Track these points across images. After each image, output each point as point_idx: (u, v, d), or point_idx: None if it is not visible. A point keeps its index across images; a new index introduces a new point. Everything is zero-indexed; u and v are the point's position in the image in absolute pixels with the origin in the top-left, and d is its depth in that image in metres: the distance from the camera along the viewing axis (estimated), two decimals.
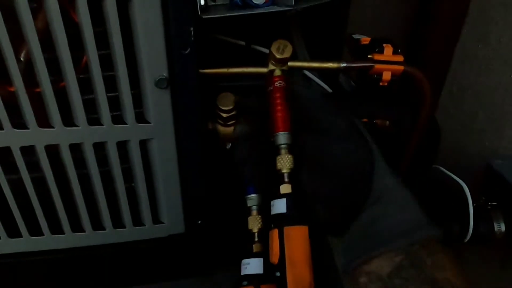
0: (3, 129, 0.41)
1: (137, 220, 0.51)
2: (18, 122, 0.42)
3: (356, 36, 0.58)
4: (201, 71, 0.48)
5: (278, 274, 0.40)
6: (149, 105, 0.43)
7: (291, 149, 0.43)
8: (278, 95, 0.47)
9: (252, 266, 0.46)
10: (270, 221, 0.43)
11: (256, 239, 0.48)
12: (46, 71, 0.39)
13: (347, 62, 0.50)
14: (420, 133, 0.56)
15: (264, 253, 0.46)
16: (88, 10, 0.37)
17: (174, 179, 0.49)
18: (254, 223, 0.49)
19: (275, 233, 0.41)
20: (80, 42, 0.40)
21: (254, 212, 0.49)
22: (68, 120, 0.43)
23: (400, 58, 0.49)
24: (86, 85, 0.42)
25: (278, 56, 0.48)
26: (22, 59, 0.42)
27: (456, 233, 0.67)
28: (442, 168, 0.70)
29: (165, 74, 0.41)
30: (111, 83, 0.42)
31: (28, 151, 0.44)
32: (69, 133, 0.43)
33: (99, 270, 0.55)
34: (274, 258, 0.40)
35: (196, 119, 0.45)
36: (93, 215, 0.49)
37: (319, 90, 0.46)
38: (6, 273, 0.52)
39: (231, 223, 0.53)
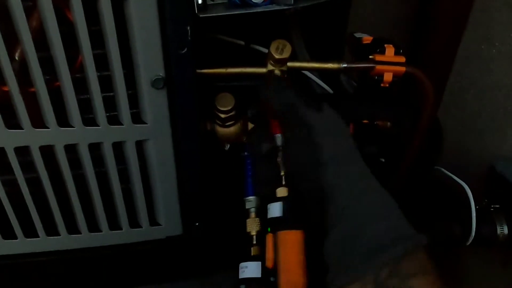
0: None
1: (134, 222, 0.50)
2: (12, 122, 0.41)
3: (357, 35, 0.57)
4: (199, 71, 0.47)
5: (273, 279, 0.40)
6: (145, 106, 0.42)
7: None
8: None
9: (250, 269, 0.45)
10: (267, 224, 0.42)
11: (254, 242, 0.47)
12: (40, 70, 0.39)
13: (347, 62, 0.49)
14: (422, 134, 0.56)
15: (262, 256, 0.46)
16: (82, 9, 0.37)
17: (171, 181, 0.48)
18: (252, 226, 0.48)
19: (270, 238, 0.40)
20: (75, 41, 0.39)
21: (253, 215, 0.49)
22: (63, 120, 0.42)
23: (401, 59, 0.49)
24: (81, 85, 0.41)
25: (277, 56, 0.47)
26: (16, 58, 0.41)
27: (459, 236, 0.66)
28: (444, 170, 0.69)
29: (161, 74, 0.41)
30: (107, 83, 0.42)
31: (23, 152, 0.43)
32: (64, 133, 0.42)
33: (96, 272, 0.54)
34: (269, 263, 0.39)
35: (194, 120, 0.45)
36: (89, 217, 0.49)
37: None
38: (1, 275, 0.51)
39: (229, 225, 0.52)
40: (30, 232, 0.48)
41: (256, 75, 0.50)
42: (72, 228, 0.49)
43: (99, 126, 0.43)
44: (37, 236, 0.48)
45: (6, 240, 0.48)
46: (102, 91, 0.41)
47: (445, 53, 0.90)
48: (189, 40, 0.40)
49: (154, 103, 0.42)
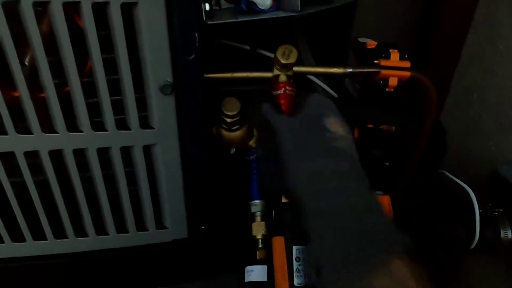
0: (7, 134, 0.41)
1: (141, 225, 0.51)
2: (22, 127, 0.42)
3: (361, 40, 0.57)
4: (206, 75, 0.48)
5: None
6: (153, 111, 0.43)
7: None
8: (282, 102, 0.47)
9: (256, 273, 0.46)
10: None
11: (260, 246, 0.48)
12: (50, 76, 0.39)
13: (353, 67, 0.50)
14: (426, 138, 0.56)
15: (268, 260, 0.46)
16: (92, 15, 0.37)
17: (177, 184, 0.48)
18: (258, 230, 0.48)
19: None
20: (84, 46, 0.39)
21: (258, 218, 0.49)
22: (72, 125, 0.43)
23: (407, 64, 0.49)
24: (90, 90, 0.42)
25: (283, 61, 0.47)
26: (26, 63, 0.41)
27: (462, 240, 0.66)
28: (447, 173, 0.69)
29: (169, 79, 0.41)
30: (115, 89, 0.42)
31: (32, 155, 0.44)
32: (73, 138, 0.43)
33: (103, 274, 0.55)
34: None
35: (200, 125, 0.45)
36: (96, 220, 0.49)
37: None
38: (9, 277, 0.52)
39: (234, 228, 0.53)
40: (38, 235, 0.48)
41: (262, 79, 0.50)
42: (80, 231, 0.49)
43: (107, 131, 0.43)
44: (45, 239, 0.49)
45: (14, 243, 0.48)
46: (111, 96, 0.42)
47: (448, 55, 0.90)
48: (197, 46, 0.40)
49: (162, 109, 0.43)
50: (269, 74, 0.50)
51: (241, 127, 0.50)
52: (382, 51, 0.51)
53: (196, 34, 0.40)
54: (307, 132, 0.39)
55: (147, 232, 0.51)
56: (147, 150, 0.46)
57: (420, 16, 0.91)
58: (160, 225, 0.51)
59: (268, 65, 0.49)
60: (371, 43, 0.55)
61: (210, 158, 0.49)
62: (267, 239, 0.47)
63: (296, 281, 0.39)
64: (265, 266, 0.45)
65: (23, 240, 0.48)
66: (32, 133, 0.41)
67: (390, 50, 0.50)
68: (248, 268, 0.46)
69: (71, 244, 0.50)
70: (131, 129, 0.43)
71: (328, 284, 0.34)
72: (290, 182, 0.37)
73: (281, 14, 0.45)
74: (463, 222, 0.66)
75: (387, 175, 0.60)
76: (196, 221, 0.52)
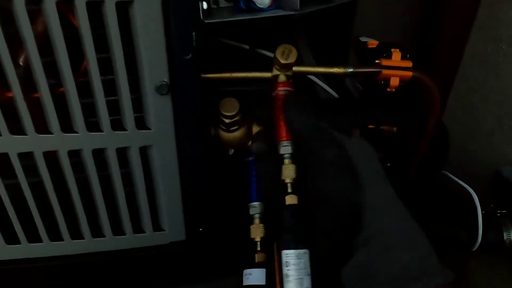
0: (0, 135, 0.40)
1: (138, 227, 0.50)
2: (16, 128, 0.41)
3: (362, 39, 0.56)
4: (204, 75, 0.47)
5: None
6: (149, 111, 0.42)
7: (294, 159, 0.42)
8: (281, 102, 0.46)
9: (254, 276, 0.45)
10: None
11: (259, 249, 0.47)
12: (44, 76, 0.38)
13: (353, 67, 0.49)
14: (428, 139, 0.55)
15: (266, 263, 0.45)
16: (87, 14, 0.36)
17: (175, 186, 0.47)
18: (257, 232, 0.47)
19: None
20: (79, 46, 0.39)
21: (257, 221, 0.48)
22: (67, 126, 0.42)
23: (408, 63, 0.48)
24: (85, 91, 0.41)
25: (282, 61, 0.47)
26: (21, 63, 0.41)
27: (464, 241, 0.65)
28: (450, 175, 0.69)
29: (166, 79, 0.40)
30: (111, 89, 0.41)
31: (27, 156, 0.43)
32: (68, 139, 0.42)
33: (99, 277, 0.54)
34: None
35: (198, 125, 0.44)
36: (92, 222, 0.48)
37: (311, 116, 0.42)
38: (3, 280, 0.51)
39: (233, 230, 0.52)
40: (33, 237, 0.48)
41: (261, 79, 0.49)
42: (76, 233, 0.49)
43: (103, 131, 0.42)
44: (41, 241, 0.48)
45: (9, 245, 0.47)
46: (106, 96, 0.41)
47: (451, 55, 0.89)
48: (194, 45, 0.39)
49: (158, 109, 0.42)
50: (268, 74, 0.49)
51: (240, 128, 0.49)
52: (384, 51, 0.50)
53: (193, 33, 0.39)
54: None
55: (144, 234, 0.50)
56: (144, 151, 0.45)
57: (422, 16, 0.90)
58: (157, 227, 0.50)
59: (268, 65, 0.49)
60: (373, 43, 0.54)
61: (208, 160, 0.48)
62: (266, 242, 0.47)
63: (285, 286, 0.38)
64: (264, 270, 0.44)
65: (18, 242, 0.47)
66: (26, 134, 0.41)
67: (392, 50, 0.49)
68: (246, 271, 0.45)
69: (67, 247, 0.49)
70: (127, 130, 0.43)
71: None
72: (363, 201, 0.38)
73: (280, 12, 0.44)
74: (465, 224, 0.65)
75: (389, 176, 0.59)
76: (194, 223, 0.51)
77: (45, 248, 0.49)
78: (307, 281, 0.38)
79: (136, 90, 0.42)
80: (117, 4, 0.36)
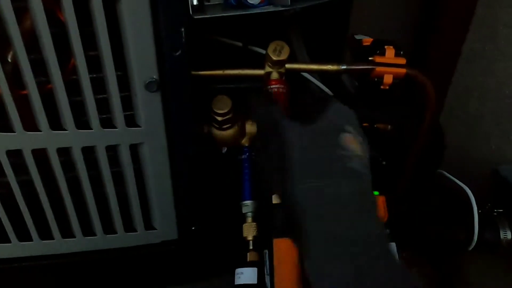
0: None
1: (129, 226, 0.50)
2: (4, 125, 0.41)
3: (358, 37, 0.56)
4: (196, 73, 0.47)
5: None
6: (139, 109, 0.42)
7: None
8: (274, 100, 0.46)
9: (246, 275, 0.44)
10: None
11: (251, 247, 0.46)
12: (31, 73, 0.38)
13: (347, 64, 0.48)
14: (423, 137, 0.55)
15: (258, 262, 0.45)
16: (73, 10, 0.36)
17: (166, 184, 0.47)
18: (249, 231, 0.47)
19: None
20: (67, 43, 0.38)
21: (249, 219, 0.48)
22: (56, 123, 0.42)
23: (402, 60, 0.48)
24: (74, 88, 0.40)
25: (274, 58, 0.46)
26: (9, 60, 0.40)
27: (461, 241, 0.65)
28: (446, 173, 0.68)
29: (155, 76, 0.40)
30: (100, 86, 0.41)
31: (16, 155, 0.43)
32: (57, 137, 0.41)
33: (90, 276, 0.54)
34: None
35: (188, 123, 0.44)
36: (83, 221, 0.48)
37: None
38: None
39: (225, 229, 0.52)
40: (24, 236, 0.47)
41: (254, 77, 0.49)
42: (67, 232, 0.48)
43: (92, 129, 0.42)
44: (31, 240, 0.48)
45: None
46: (95, 94, 0.40)
47: (448, 54, 0.89)
48: (183, 42, 0.39)
49: (148, 106, 0.41)
50: (261, 72, 0.49)
51: (233, 125, 0.49)
52: (378, 48, 0.50)
53: (183, 29, 0.38)
54: (320, 148, 0.36)
55: (136, 233, 0.50)
56: (134, 149, 0.45)
57: (420, 15, 0.90)
58: (149, 226, 0.50)
59: (261, 62, 0.48)
60: (367, 40, 0.53)
61: (201, 158, 0.48)
62: (258, 241, 0.46)
63: None
64: (255, 269, 0.44)
65: (8, 241, 0.47)
66: (14, 132, 0.40)
67: (386, 47, 0.49)
68: (238, 270, 0.45)
69: (58, 245, 0.48)
70: (116, 128, 0.42)
71: None
72: (292, 195, 0.34)
73: (271, 8, 0.44)
74: (462, 223, 0.65)
75: (384, 174, 0.59)
76: (186, 222, 0.51)
77: (36, 247, 0.48)
78: None
79: (126, 87, 0.41)
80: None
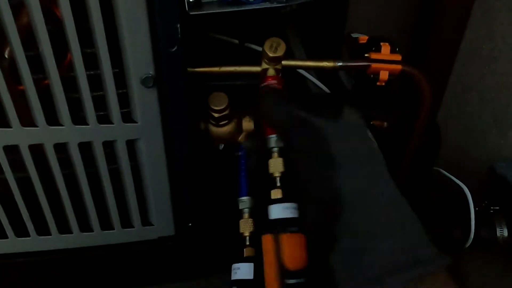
0: None
1: (126, 222, 0.50)
2: (1, 120, 0.41)
3: (354, 35, 0.56)
4: (193, 69, 0.47)
5: (295, 281, 0.37)
6: (135, 104, 0.42)
7: (282, 152, 0.41)
8: None
9: (242, 271, 0.44)
10: (282, 224, 0.40)
11: (248, 243, 0.47)
12: (28, 69, 0.38)
13: (343, 61, 0.49)
14: (419, 134, 0.55)
15: (255, 258, 0.45)
16: (70, 5, 0.36)
17: (163, 180, 0.47)
18: (246, 227, 0.47)
19: (302, 237, 0.38)
20: (64, 39, 0.38)
21: (246, 215, 0.48)
22: (53, 119, 0.42)
23: (397, 57, 0.48)
24: (71, 84, 0.41)
25: (271, 54, 0.46)
26: (6, 56, 0.41)
27: (457, 238, 0.65)
28: (443, 171, 0.68)
29: (151, 72, 0.40)
30: (97, 82, 0.41)
31: (13, 150, 0.43)
32: (53, 132, 0.42)
33: (87, 272, 0.54)
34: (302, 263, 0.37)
35: (185, 119, 0.44)
36: (80, 216, 0.48)
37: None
38: None
39: (222, 225, 0.52)
40: (21, 231, 0.47)
41: (251, 74, 0.49)
42: (64, 228, 0.48)
43: (89, 125, 0.42)
44: (28, 236, 0.48)
45: None
46: (92, 89, 0.41)
47: (446, 53, 0.89)
48: (180, 38, 0.39)
49: (144, 102, 0.42)
50: (257, 68, 0.49)
51: (230, 122, 0.49)
52: (373, 45, 0.50)
53: (178, 26, 0.39)
54: (351, 139, 0.40)
55: (133, 229, 0.50)
56: (131, 145, 0.45)
57: (418, 13, 0.90)
58: (146, 222, 0.50)
59: (257, 59, 0.49)
60: (363, 38, 0.54)
61: (198, 154, 0.48)
62: (255, 237, 0.47)
63: None
64: (252, 264, 0.44)
65: (5, 237, 0.47)
66: (11, 127, 0.40)
67: (381, 44, 0.49)
68: (235, 265, 0.45)
69: (55, 241, 0.49)
70: (113, 123, 0.42)
71: None
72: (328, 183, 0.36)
73: (267, 5, 0.44)
74: (458, 220, 0.65)
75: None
76: (183, 218, 0.51)
77: (33, 243, 0.48)
78: None
79: (123, 82, 0.41)
80: None
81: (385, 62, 0.47)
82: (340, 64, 0.49)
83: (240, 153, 0.51)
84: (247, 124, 0.50)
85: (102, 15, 0.37)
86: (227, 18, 0.46)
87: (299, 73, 0.58)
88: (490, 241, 0.64)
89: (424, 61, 0.90)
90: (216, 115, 0.48)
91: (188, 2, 0.41)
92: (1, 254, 0.48)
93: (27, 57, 0.38)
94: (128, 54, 0.39)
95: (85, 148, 0.44)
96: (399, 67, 0.47)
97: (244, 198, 0.48)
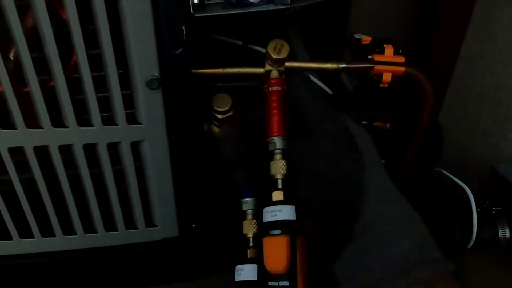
0: None
1: (130, 223, 0.50)
2: (6, 122, 0.41)
3: (357, 36, 0.56)
4: (196, 71, 0.47)
5: (276, 283, 0.37)
6: (140, 106, 0.42)
7: (285, 155, 0.42)
8: (274, 98, 0.46)
9: (246, 272, 0.44)
10: (268, 227, 0.41)
11: (251, 244, 0.47)
12: (33, 70, 0.38)
13: (346, 63, 0.49)
14: (422, 135, 0.55)
15: (258, 259, 0.45)
16: (75, 7, 0.36)
17: (167, 182, 0.47)
18: (249, 228, 0.47)
19: (282, 240, 0.37)
20: (69, 41, 0.38)
21: (249, 217, 0.48)
22: (58, 121, 0.42)
23: (401, 59, 0.48)
24: (76, 85, 0.41)
25: (274, 56, 0.46)
26: (11, 57, 0.41)
27: (459, 239, 0.65)
28: (445, 172, 0.68)
29: (156, 74, 0.40)
30: (102, 83, 0.41)
31: (18, 152, 0.43)
32: (58, 134, 0.42)
33: (91, 274, 0.54)
34: (281, 266, 0.37)
35: (189, 120, 0.44)
36: (84, 218, 0.48)
37: (313, 91, 0.41)
38: None
39: (226, 227, 0.52)
40: (25, 233, 0.48)
41: (254, 75, 0.49)
42: (68, 229, 0.49)
43: (93, 126, 0.42)
44: (32, 237, 0.48)
45: (0, 241, 0.47)
46: (97, 91, 0.41)
47: (447, 53, 0.89)
48: (184, 40, 0.39)
49: (149, 104, 0.42)
50: (260, 70, 0.49)
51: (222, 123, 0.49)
52: (377, 46, 0.50)
53: (183, 28, 0.39)
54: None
55: (137, 230, 0.50)
56: (136, 147, 0.45)
57: (419, 14, 0.90)
58: (149, 223, 0.50)
59: (261, 61, 0.49)
60: (366, 39, 0.54)
61: (201, 155, 0.48)
62: (258, 238, 0.47)
63: None
64: (255, 265, 0.44)
65: (10, 238, 0.47)
66: (16, 129, 0.41)
67: (384, 45, 0.49)
68: (238, 267, 0.45)
69: (59, 243, 0.49)
70: (118, 125, 0.43)
71: None
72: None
73: (272, 7, 0.44)
74: (460, 221, 0.65)
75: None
76: (187, 219, 0.51)
77: (37, 244, 0.48)
78: None
79: (127, 84, 0.41)
80: None
81: (389, 64, 0.47)
82: (343, 65, 0.49)
83: None
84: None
85: (107, 17, 0.37)
86: (231, 20, 0.46)
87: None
88: (492, 242, 0.64)
89: (425, 61, 0.90)
90: (219, 116, 0.48)
91: (193, 4, 0.41)
92: (5, 255, 0.48)
93: (32, 58, 0.38)
94: (133, 56, 0.39)
95: (90, 149, 0.44)
96: (402, 69, 0.47)
97: (248, 199, 0.48)
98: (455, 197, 0.66)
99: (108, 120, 0.43)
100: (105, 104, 0.42)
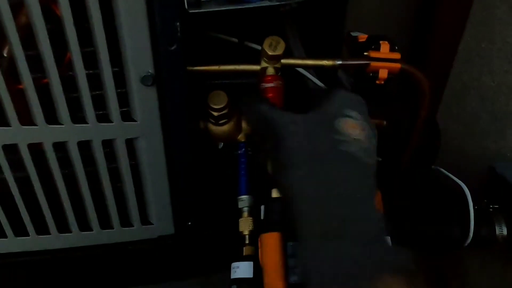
0: None
1: (126, 221, 0.50)
2: (0, 119, 0.41)
3: (354, 34, 0.56)
4: (192, 68, 0.47)
5: None
6: (135, 103, 0.42)
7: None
8: (270, 95, 0.46)
9: (242, 269, 0.44)
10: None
11: (247, 242, 0.47)
12: (27, 67, 0.38)
13: (342, 59, 0.49)
14: (419, 132, 0.55)
15: (254, 256, 0.45)
16: (69, 4, 0.36)
17: (162, 179, 0.47)
18: (245, 225, 0.47)
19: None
20: (63, 38, 0.38)
21: (245, 214, 0.48)
22: (52, 118, 0.42)
23: (397, 55, 0.48)
24: (70, 82, 0.41)
25: (270, 53, 0.46)
26: (5, 55, 0.41)
27: (457, 237, 0.65)
28: (442, 170, 0.68)
29: (150, 71, 0.40)
30: (96, 80, 0.41)
31: (12, 150, 0.43)
32: (53, 131, 0.42)
33: (87, 272, 0.54)
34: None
35: (184, 117, 0.44)
36: (80, 216, 0.48)
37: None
38: None
39: (222, 224, 0.52)
40: (20, 230, 0.47)
41: (250, 72, 0.49)
42: (63, 227, 0.48)
43: (88, 123, 0.42)
44: (27, 235, 0.48)
45: None
46: (91, 88, 0.41)
47: (446, 52, 0.89)
48: (179, 36, 0.39)
49: (144, 101, 0.42)
50: (256, 67, 0.49)
51: (229, 121, 0.49)
52: (373, 43, 0.50)
53: (178, 24, 0.39)
54: (313, 134, 0.36)
55: (132, 228, 0.50)
56: (131, 144, 0.45)
57: (417, 13, 0.90)
58: (145, 221, 0.50)
59: (257, 58, 0.49)
60: (363, 37, 0.54)
61: (197, 153, 0.48)
62: (254, 235, 0.47)
63: (291, 279, 0.37)
64: (251, 263, 0.44)
65: (4, 236, 0.47)
66: (10, 126, 0.40)
67: (380, 42, 0.49)
68: (234, 264, 0.45)
69: (54, 240, 0.49)
70: (112, 122, 0.42)
71: None
72: (283, 182, 0.35)
73: (267, 3, 0.44)
74: (458, 219, 0.65)
75: (379, 170, 0.59)
76: (183, 217, 0.51)
77: (32, 242, 0.48)
78: None
79: (122, 81, 0.41)
80: None
81: (385, 60, 0.47)
82: (339, 62, 0.49)
83: (239, 152, 0.51)
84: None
85: (101, 14, 0.37)
86: (227, 17, 0.46)
87: (299, 71, 0.58)
88: (489, 240, 0.64)
89: (424, 60, 0.90)
90: (215, 114, 0.48)
91: (188, 0, 0.41)
92: (0, 254, 0.48)
93: (26, 56, 0.38)
94: (128, 52, 0.39)
95: (85, 147, 0.44)
96: (398, 65, 0.47)
97: (244, 196, 0.48)
98: (453, 195, 0.66)
99: (103, 117, 0.43)
100: (99, 101, 0.42)
